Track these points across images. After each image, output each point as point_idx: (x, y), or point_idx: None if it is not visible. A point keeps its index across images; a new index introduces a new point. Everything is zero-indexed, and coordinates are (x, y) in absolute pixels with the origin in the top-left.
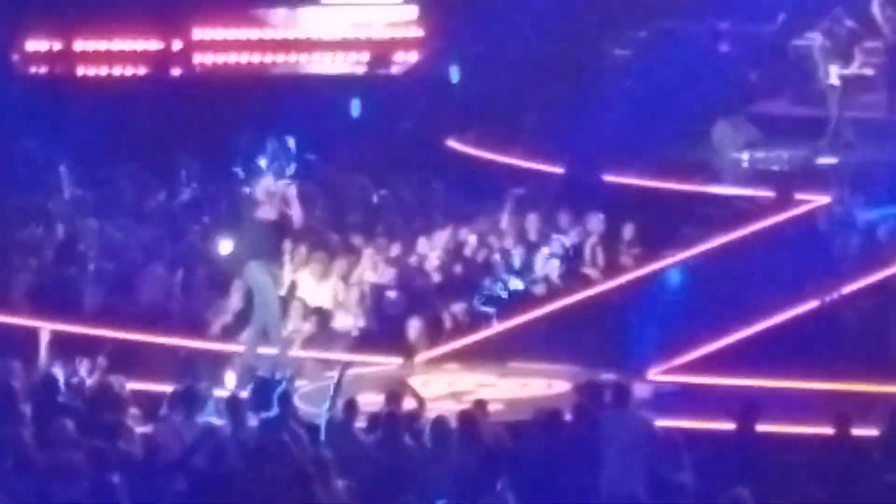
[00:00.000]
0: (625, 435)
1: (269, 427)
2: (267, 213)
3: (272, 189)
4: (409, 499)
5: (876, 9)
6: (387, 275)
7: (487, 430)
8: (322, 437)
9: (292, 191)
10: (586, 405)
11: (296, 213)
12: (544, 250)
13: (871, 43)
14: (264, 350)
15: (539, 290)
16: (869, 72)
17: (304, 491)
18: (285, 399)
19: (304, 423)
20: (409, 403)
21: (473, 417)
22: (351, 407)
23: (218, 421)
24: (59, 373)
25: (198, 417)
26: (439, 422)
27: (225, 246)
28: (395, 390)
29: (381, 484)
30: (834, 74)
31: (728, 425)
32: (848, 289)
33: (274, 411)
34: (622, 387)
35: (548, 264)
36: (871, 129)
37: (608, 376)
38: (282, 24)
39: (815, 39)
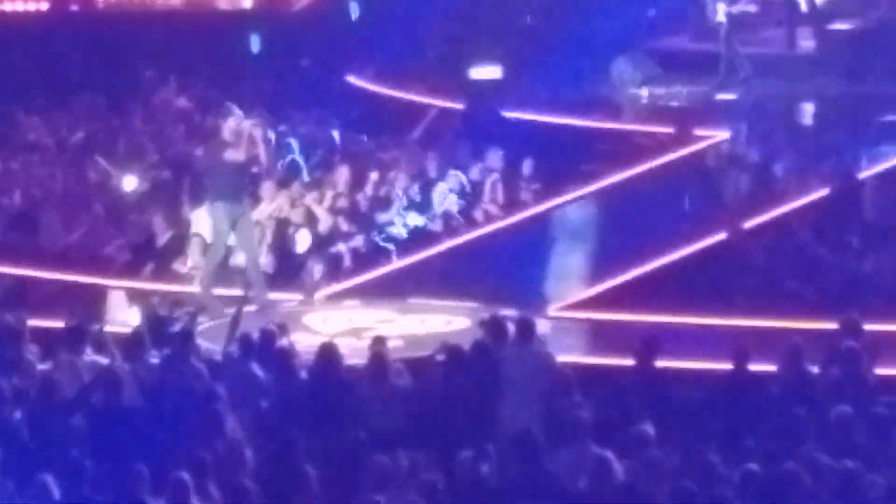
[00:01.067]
0: (525, 371)
1: (170, 364)
2: (235, 153)
3: (239, 129)
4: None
5: None
6: (287, 211)
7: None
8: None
9: (258, 132)
10: (486, 342)
11: (262, 154)
12: (442, 186)
13: None
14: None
15: (438, 226)
16: (752, 8)
17: (200, 429)
18: (185, 336)
19: (205, 360)
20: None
21: (383, 356)
22: (247, 343)
23: (102, 360)
24: None
25: (84, 356)
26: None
27: (129, 182)
28: (284, 325)
29: (272, 419)
30: (721, 11)
31: (628, 361)
32: (746, 224)
33: (173, 348)
34: (526, 322)
35: (446, 200)
36: (769, 64)
37: (509, 312)
38: None
39: None
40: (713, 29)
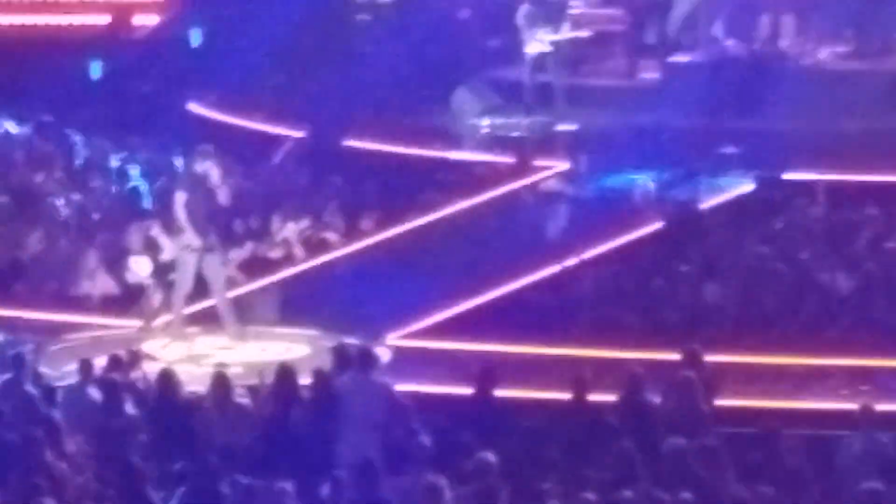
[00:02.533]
0: (363, 400)
1: (4, 390)
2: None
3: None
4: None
5: None
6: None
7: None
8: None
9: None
10: (325, 370)
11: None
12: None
13: (612, 10)
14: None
15: (278, 253)
16: (584, 34)
17: (31, 454)
18: (19, 362)
19: (43, 386)
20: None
21: (226, 378)
22: (85, 369)
23: None
24: None
25: None
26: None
27: None
28: (118, 355)
29: (107, 444)
30: (545, 40)
31: (467, 390)
32: (586, 255)
33: (8, 374)
34: (367, 351)
35: (285, 228)
36: (611, 95)
37: (350, 341)
38: None
39: (521, 7)
40: (535, 59)
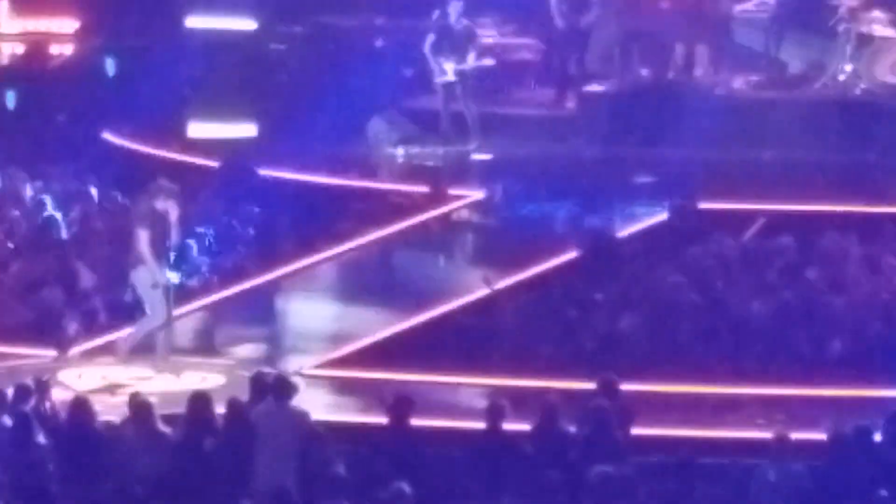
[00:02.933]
0: (279, 429)
1: None
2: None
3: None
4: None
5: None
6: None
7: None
8: None
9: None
10: (240, 399)
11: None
12: (192, 243)
13: (526, 39)
14: None
15: (194, 282)
16: (489, 62)
17: None
18: None
19: None
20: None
21: (146, 405)
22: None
23: None
24: None
25: None
26: None
27: None
28: (26, 385)
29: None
30: (450, 70)
31: (383, 419)
32: (500, 284)
33: None
34: (283, 380)
35: (198, 258)
36: (527, 124)
37: (266, 370)
38: None
39: (427, 36)
40: (445, 88)
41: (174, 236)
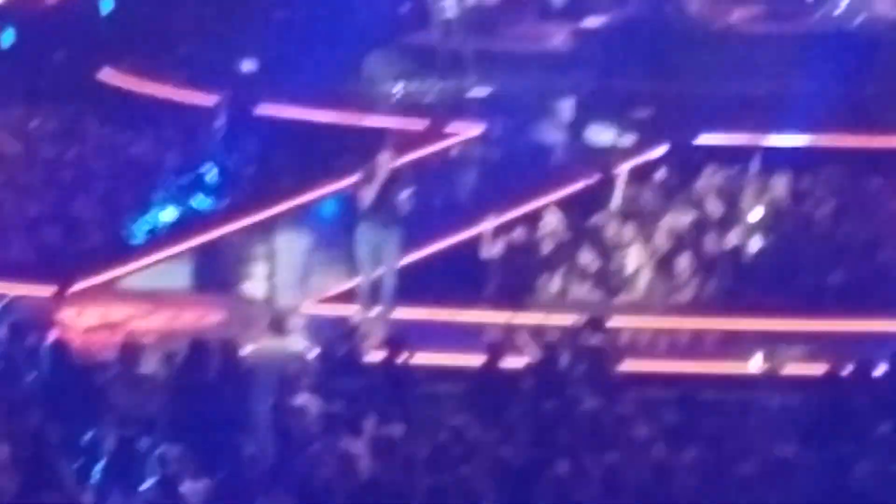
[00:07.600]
0: (276, 366)
1: None
2: None
3: None
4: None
5: None
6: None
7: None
8: None
9: None
10: (237, 337)
11: None
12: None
13: None
14: None
15: (194, 219)
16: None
17: None
18: None
19: None
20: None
21: (137, 346)
22: None
23: None
24: None
25: None
26: None
27: None
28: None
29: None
30: (448, 4)
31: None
32: (495, 220)
33: None
34: (281, 318)
35: (199, 195)
36: (523, 59)
37: (264, 307)
38: None
39: None
40: (443, 24)
41: None
